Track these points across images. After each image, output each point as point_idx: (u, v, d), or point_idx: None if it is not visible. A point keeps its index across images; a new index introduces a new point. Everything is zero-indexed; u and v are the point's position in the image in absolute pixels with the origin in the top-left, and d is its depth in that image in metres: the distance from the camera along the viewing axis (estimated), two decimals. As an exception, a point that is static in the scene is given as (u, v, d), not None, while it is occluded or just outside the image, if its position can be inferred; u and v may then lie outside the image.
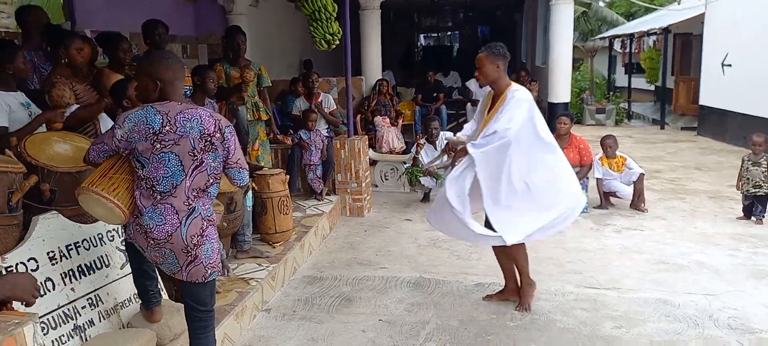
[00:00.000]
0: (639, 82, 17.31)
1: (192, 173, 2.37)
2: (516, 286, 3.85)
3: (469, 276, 4.38)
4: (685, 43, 14.06)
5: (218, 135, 2.40)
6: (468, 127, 3.81)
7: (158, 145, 2.32)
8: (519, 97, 3.40)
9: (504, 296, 3.91)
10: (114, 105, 3.31)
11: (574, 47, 10.20)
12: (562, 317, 3.66)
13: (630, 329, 3.48)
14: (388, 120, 7.93)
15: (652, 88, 16.83)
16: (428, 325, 3.62)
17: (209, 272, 2.45)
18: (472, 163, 3.41)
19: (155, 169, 2.34)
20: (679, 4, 13.59)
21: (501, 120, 3.37)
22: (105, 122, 3.38)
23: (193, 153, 2.35)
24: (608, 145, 6.17)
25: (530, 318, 3.66)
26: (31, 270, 2.51)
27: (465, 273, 4.45)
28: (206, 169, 2.40)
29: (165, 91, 2.39)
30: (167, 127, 2.32)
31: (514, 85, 3.50)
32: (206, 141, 2.37)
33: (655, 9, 18.00)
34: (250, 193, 4.41)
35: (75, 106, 3.28)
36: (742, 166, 5.65)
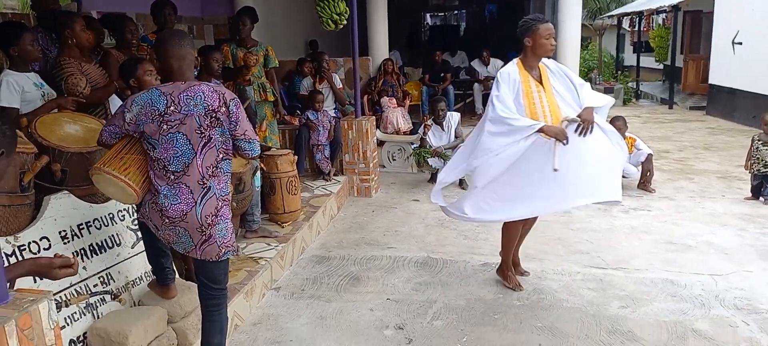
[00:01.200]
0: (647, 61, 17.13)
1: (202, 150, 2.38)
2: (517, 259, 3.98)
3: (476, 256, 4.40)
4: (695, 21, 13.87)
5: (223, 109, 2.40)
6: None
7: (165, 126, 2.33)
8: (555, 62, 3.53)
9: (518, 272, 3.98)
10: (123, 86, 3.32)
11: (582, 26, 10.07)
12: (569, 297, 3.68)
13: (636, 308, 3.50)
14: (394, 101, 7.90)
15: (661, 67, 16.65)
16: (435, 304, 3.65)
17: (223, 251, 2.47)
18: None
19: (165, 149, 2.36)
20: (690, -20, 13.38)
21: (590, 93, 3.47)
22: (114, 103, 3.40)
23: (201, 130, 2.37)
24: (617, 127, 6.11)
25: (537, 297, 3.68)
26: (44, 249, 2.55)
27: (472, 253, 4.47)
28: (215, 144, 2.41)
29: (175, 70, 2.41)
30: (172, 108, 2.33)
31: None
32: (212, 117, 2.38)
33: (665, -14, 17.72)
34: (258, 173, 4.43)
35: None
36: (751, 145, 5.61)
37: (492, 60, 9.80)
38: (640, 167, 6.10)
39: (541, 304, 3.60)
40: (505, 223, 3.75)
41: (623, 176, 6.11)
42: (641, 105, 13.91)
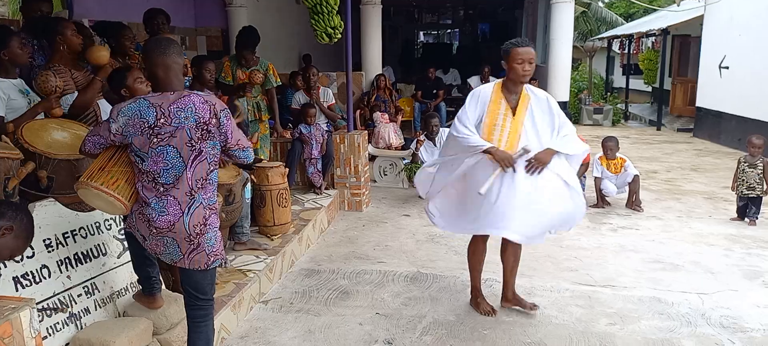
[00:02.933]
0: (637, 83, 17.35)
1: (192, 163, 2.34)
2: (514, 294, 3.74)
3: (466, 272, 4.34)
4: (683, 45, 14.09)
5: (214, 121, 2.36)
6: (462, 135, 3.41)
7: (155, 139, 2.29)
8: (551, 98, 3.43)
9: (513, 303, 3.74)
10: (112, 94, 3.29)
11: (573, 47, 10.20)
12: (558, 313, 3.68)
13: (624, 326, 3.50)
14: (387, 116, 7.92)
15: (650, 89, 16.87)
16: (425, 319, 3.63)
17: (212, 259, 2.45)
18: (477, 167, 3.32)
19: (155, 162, 2.32)
20: (678, 5, 13.61)
21: (567, 126, 3.39)
22: (105, 108, 3.37)
23: (191, 143, 2.33)
24: (609, 147, 6.19)
25: (526, 314, 3.67)
26: (27, 257, 2.51)
27: (462, 269, 4.44)
28: (206, 157, 2.38)
29: (161, 79, 2.37)
30: (162, 120, 2.29)
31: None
32: (202, 130, 2.34)
33: (654, 10, 18.03)
34: (248, 185, 4.41)
35: (75, 95, 3.26)
36: (737, 167, 5.68)
37: (491, 79, 9.88)
38: (626, 188, 6.15)
39: (530, 320, 3.59)
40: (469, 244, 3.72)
41: (605, 195, 6.20)
42: (630, 126, 14.05)
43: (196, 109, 2.32)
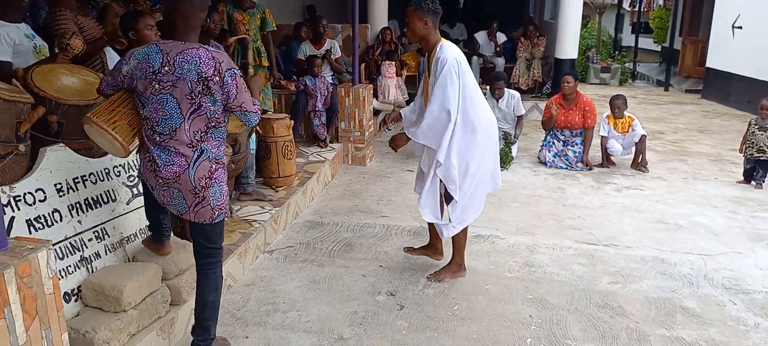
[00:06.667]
0: (646, 42, 17.07)
1: (190, 116, 2.31)
2: (440, 247, 3.74)
3: (468, 227, 4.42)
4: (696, 3, 13.80)
5: (217, 79, 2.30)
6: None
7: (157, 86, 2.27)
8: (445, 67, 3.15)
9: (426, 252, 3.77)
10: (122, 37, 3.25)
11: (583, 3, 9.97)
12: (560, 271, 3.73)
13: (626, 285, 3.55)
14: (394, 68, 7.82)
15: (659, 49, 16.61)
16: (427, 272, 3.68)
17: (216, 213, 2.45)
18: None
19: (154, 110, 2.30)
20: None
21: (434, 99, 3.19)
22: (111, 55, 3.34)
23: (191, 96, 2.29)
24: (617, 106, 6.13)
25: (528, 270, 3.73)
26: (39, 201, 2.52)
27: (465, 224, 4.49)
28: (205, 112, 2.33)
29: (178, 28, 2.33)
30: (166, 68, 2.26)
31: (442, 43, 3.26)
32: (203, 84, 2.28)
33: (668, -33, 17.57)
34: (253, 136, 4.40)
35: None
36: (747, 129, 5.64)
37: (499, 35, 9.70)
38: (632, 148, 6.13)
39: (532, 277, 3.64)
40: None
41: (610, 154, 6.19)
42: (637, 86, 13.90)
43: (200, 62, 2.27)
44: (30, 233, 2.39)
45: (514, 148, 6.42)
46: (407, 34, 3.36)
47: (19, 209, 2.42)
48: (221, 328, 2.83)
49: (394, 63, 7.81)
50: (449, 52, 3.20)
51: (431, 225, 3.63)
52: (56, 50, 3.08)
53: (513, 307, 3.27)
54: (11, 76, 2.72)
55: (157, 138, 2.34)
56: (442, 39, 3.31)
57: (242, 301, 3.32)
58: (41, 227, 2.51)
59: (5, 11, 3.19)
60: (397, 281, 3.56)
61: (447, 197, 3.44)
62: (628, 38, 18.53)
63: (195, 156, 2.35)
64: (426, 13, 3.21)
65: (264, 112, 5.16)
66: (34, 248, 1.59)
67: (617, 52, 16.22)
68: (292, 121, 5.03)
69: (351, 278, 3.60)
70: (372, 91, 6.66)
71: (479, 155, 3.32)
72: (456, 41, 10.93)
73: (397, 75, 7.87)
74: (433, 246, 3.76)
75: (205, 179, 2.38)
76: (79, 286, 2.61)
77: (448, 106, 3.17)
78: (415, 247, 3.86)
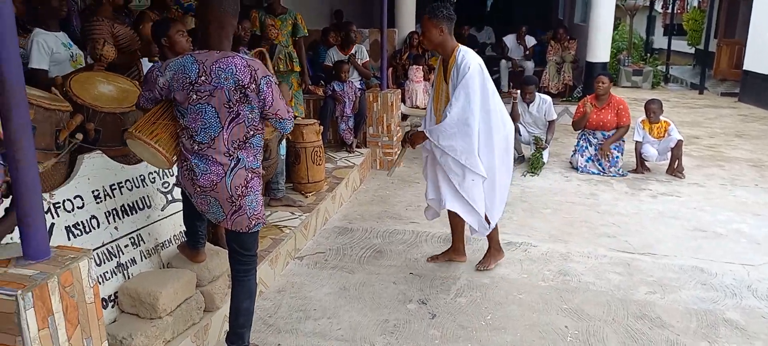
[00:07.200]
0: (679, 44, 16.67)
1: (229, 125, 2.32)
2: (463, 248, 3.88)
3: (501, 235, 4.34)
4: (731, 4, 13.42)
5: (253, 86, 2.30)
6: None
7: (194, 96, 2.28)
8: (469, 72, 3.19)
9: (449, 256, 3.90)
10: (154, 45, 3.30)
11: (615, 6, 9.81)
12: (595, 280, 3.63)
13: (665, 295, 3.44)
14: (421, 73, 7.78)
15: (692, 51, 16.20)
16: (459, 280, 3.63)
17: (253, 222, 2.45)
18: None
19: (193, 119, 2.31)
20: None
21: (456, 103, 3.22)
22: (147, 65, 3.39)
23: (229, 105, 2.29)
24: (653, 110, 5.98)
25: (562, 279, 3.65)
26: (77, 208, 2.57)
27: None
28: (244, 120, 2.33)
29: (211, 36, 2.34)
30: (203, 78, 2.27)
31: (461, 48, 3.29)
32: (241, 93, 2.29)
33: (702, -33, 17.15)
34: (283, 141, 4.42)
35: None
36: (789, 135, 5.44)
37: (528, 39, 9.58)
38: (668, 154, 5.97)
39: (566, 286, 3.56)
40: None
41: (645, 159, 6.03)
42: (670, 89, 13.58)
43: (236, 70, 2.28)
44: (68, 239, 2.43)
45: (546, 154, 6.31)
46: (423, 42, 3.43)
47: (58, 216, 2.46)
48: (254, 335, 2.83)
49: (421, 67, 7.78)
50: (472, 57, 3.28)
51: (455, 228, 3.83)
52: (89, 59, 3.14)
53: (548, 317, 3.20)
54: (50, 84, 2.77)
55: (196, 147, 2.35)
56: (460, 44, 3.34)
57: (274, 307, 3.32)
58: (80, 234, 2.55)
59: (43, 20, 3.26)
60: (428, 289, 3.52)
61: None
62: (659, 40, 18.16)
63: (232, 165, 2.36)
64: (441, 19, 3.25)
65: (295, 117, 5.19)
66: (76, 257, 1.60)
67: (649, 54, 15.88)
68: (321, 127, 5.05)
69: (381, 285, 3.57)
70: (400, 96, 6.63)
71: (499, 154, 3.41)
72: (484, 45, 10.90)
73: (424, 79, 7.83)
74: (455, 249, 3.90)
75: (242, 187, 2.39)
76: (116, 292, 2.65)
77: (472, 109, 3.22)
78: (438, 254, 3.95)
